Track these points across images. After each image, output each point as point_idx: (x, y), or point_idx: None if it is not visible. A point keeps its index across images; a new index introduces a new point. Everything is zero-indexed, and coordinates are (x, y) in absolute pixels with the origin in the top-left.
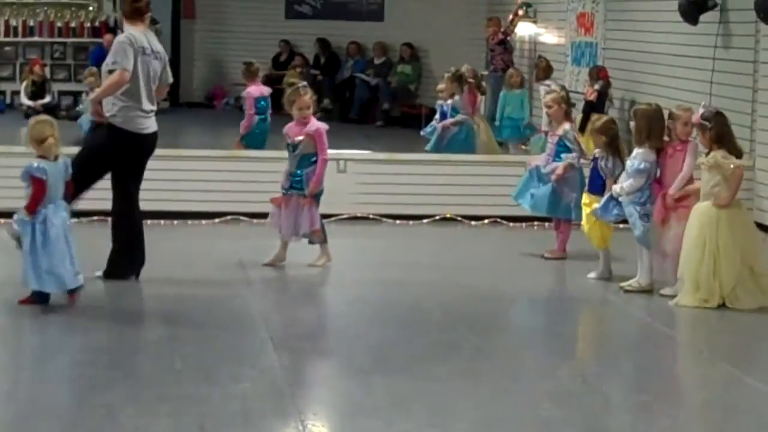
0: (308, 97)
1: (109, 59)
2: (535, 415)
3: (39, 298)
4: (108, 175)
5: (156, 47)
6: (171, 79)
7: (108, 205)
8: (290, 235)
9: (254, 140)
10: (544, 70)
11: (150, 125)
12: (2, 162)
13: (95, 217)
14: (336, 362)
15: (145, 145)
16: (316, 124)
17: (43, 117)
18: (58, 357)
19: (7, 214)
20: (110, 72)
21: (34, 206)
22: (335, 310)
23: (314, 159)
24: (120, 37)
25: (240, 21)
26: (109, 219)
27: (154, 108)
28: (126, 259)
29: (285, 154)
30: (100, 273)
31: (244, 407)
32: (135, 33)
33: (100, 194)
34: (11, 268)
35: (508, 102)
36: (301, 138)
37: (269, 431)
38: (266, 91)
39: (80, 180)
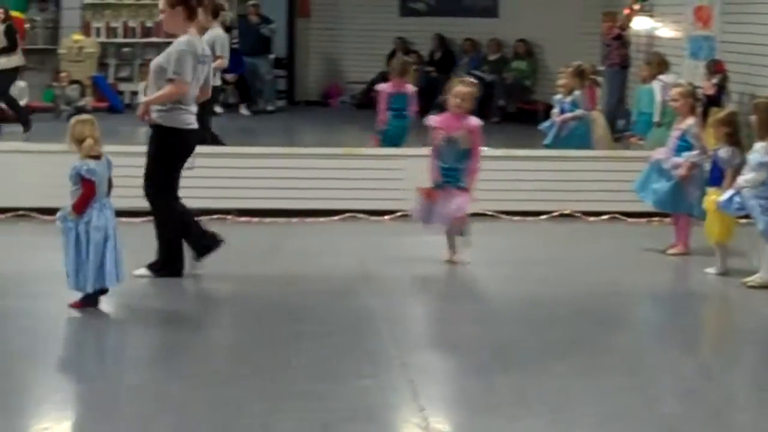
0: (466, 89)
1: (168, 65)
2: (657, 412)
3: (89, 301)
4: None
5: (205, 50)
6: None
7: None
8: (445, 224)
9: (387, 138)
10: (658, 65)
11: (193, 121)
12: (122, 161)
13: None
14: (457, 359)
15: (188, 141)
16: (474, 120)
17: (84, 117)
18: (183, 352)
19: (128, 213)
20: (169, 80)
21: (83, 207)
22: (455, 307)
23: (470, 154)
24: (182, 44)
25: (354, 19)
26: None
27: (195, 109)
28: (200, 242)
29: (402, 152)
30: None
31: (367, 404)
32: (193, 38)
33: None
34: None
35: (641, 97)
36: (461, 133)
37: (392, 428)
38: (407, 88)
39: (161, 192)
